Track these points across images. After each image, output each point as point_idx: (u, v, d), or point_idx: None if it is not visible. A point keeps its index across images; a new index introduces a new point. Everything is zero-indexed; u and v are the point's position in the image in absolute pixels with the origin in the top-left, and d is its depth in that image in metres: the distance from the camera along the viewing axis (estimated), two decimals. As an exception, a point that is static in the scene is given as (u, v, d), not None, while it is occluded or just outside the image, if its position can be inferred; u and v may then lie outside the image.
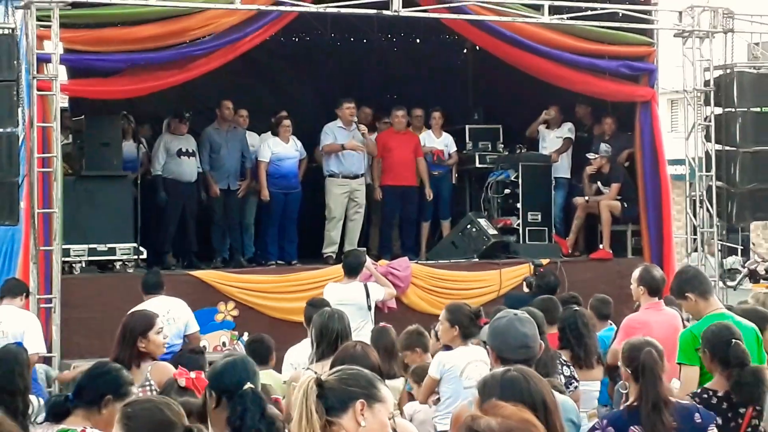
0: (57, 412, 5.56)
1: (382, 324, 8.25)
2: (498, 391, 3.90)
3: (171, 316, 9.68)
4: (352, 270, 10.97)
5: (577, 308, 8.49)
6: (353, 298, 10.31)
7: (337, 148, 14.01)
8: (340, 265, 12.88)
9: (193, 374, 5.78)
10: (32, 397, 6.66)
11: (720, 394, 6.17)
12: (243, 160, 14.04)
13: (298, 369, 7.83)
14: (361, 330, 9.79)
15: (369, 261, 11.74)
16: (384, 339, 7.93)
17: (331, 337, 6.86)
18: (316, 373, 3.78)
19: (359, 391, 3.69)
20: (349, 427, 3.64)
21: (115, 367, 5.77)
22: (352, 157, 14.17)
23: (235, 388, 4.65)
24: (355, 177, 14.27)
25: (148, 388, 6.68)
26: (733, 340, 6.32)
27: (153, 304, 9.43)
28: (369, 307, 10.70)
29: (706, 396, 6.19)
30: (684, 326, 7.91)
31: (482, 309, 8.02)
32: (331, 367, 4.53)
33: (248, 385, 4.65)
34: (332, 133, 14.15)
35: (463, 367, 7.14)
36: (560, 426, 3.88)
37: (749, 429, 6.07)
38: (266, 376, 7.55)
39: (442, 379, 7.35)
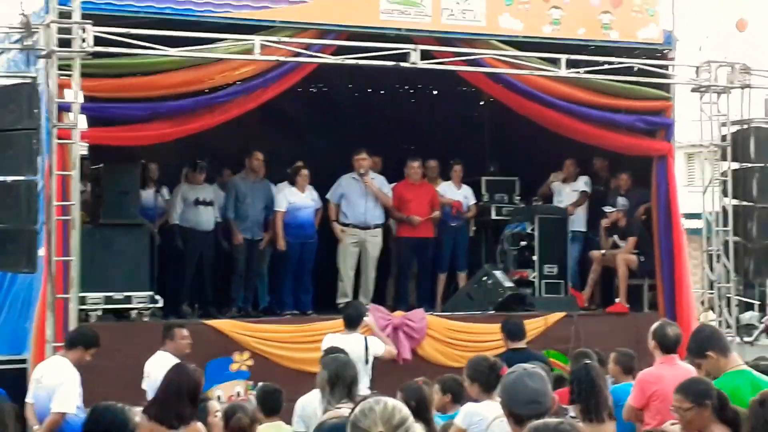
0: None
1: (419, 379, 8.22)
2: None
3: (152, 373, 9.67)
4: (352, 321, 10.91)
5: (588, 362, 8.47)
6: (352, 350, 10.20)
7: (330, 216, 14.31)
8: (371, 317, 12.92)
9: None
10: None
11: None
12: (267, 212, 14.12)
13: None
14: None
15: (371, 318, 11.73)
16: (421, 394, 7.89)
17: (345, 382, 6.82)
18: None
19: None
20: None
21: (119, 408, 5.78)
22: (359, 206, 14.24)
23: None
24: (366, 228, 14.32)
25: None
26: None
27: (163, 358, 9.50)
28: (367, 361, 10.62)
29: None
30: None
31: (501, 363, 8.04)
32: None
33: None
34: (341, 186, 14.34)
35: (491, 421, 6.96)
36: None
37: None
38: (275, 428, 7.60)
39: (467, 430, 7.21)
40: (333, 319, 12.73)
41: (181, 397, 6.96)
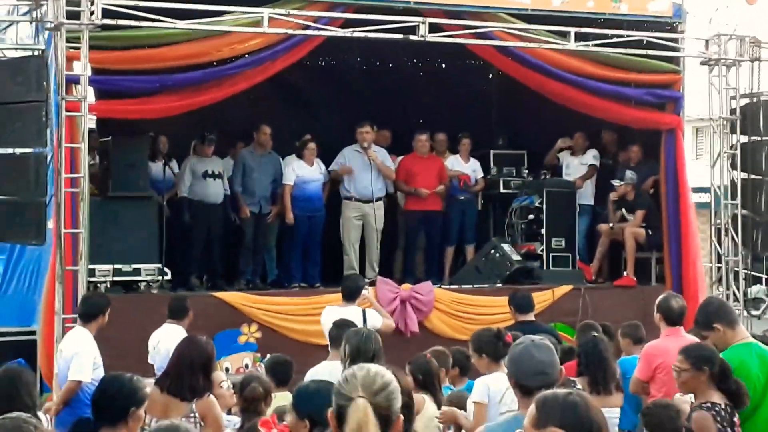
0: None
1: (427, 353, 8.24)
2: (559, 413, 3.84)
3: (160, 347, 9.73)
4: (350, 294, 10.89)
5: (595, 334, 8.51)
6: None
7: (345, 170, 14.18)
8: (370, 289, 12.95)
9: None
10: (42, 416, 6.69)
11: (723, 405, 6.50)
12: (275, 185, 14.12)
13: None
14: None
15: (370, 292, 11.70)
16: (428, 368, 7.90)
17: (367, 356, 6.82)
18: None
19: (399, 407, 3.70)
20: None
21: (127, 377, 5.80)
22: (363, 180, 14.23)
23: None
24: (369, 201, 14.31)
25: (192, 419, 6.75)
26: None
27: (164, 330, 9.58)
28: None
29: (717, 409, 6.51)
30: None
31: (505, 330, 8.06)
32: None
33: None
34: (344, 156, 14.30)
35: (503, 392, 6.93)
36: None
37: None
38: (284, 399, 7.62)
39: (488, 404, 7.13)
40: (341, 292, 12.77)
41: (195, 369, 7.01)
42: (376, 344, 7.05)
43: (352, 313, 10.46)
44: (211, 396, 7.07)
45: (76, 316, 9.72)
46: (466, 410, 7.36)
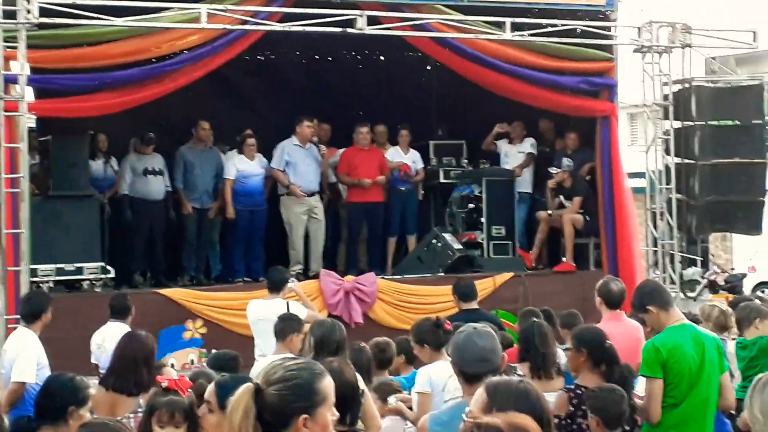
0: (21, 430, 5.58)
1: (361, 343, 8.24)
2: (513, 400, 3.86)
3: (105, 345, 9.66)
4: (275, 286, 10.94)
5: (535, 320, 8.55)
6: (274, 315, 10.30)
7: (283, 182, 14.14)
8: (308, 281, 12.94)
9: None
10: None
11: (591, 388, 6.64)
12: (216, 180, 14.07)
13: None
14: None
15: (297, 284, 11.65)
16: (361, 357, 7.89)
17: (331, 347, 6.84)
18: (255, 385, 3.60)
19: (301, 406, 3.55)
20: None
21: (69, 377, 5.79)
22: (308, 174, 14.20)
23: None
24: (312, 194, 14.29)
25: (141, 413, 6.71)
26: (607, 342, 6.93)
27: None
28: None
29: (579, 392, 6.70)
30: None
31: (443, 319, 8.09)
32: None
33: None
34: (283, 151, 14.17)
35: (446, 380, 6.93)
36: None
37: None
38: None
39: (431, 393, 7.14)
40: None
41: (138, 364, 6.99)
42: (340, 335, 7.05)
43: (276, 304, 10.46)
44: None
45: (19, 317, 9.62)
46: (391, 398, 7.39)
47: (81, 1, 11.58)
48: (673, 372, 7.11)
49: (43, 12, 11.38)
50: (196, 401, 5.14)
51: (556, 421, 6.27)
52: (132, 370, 6.96)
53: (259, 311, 10.61)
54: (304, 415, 3.51)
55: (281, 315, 9.27)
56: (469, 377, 5.13)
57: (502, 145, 15.54)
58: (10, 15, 11.31)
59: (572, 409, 6.65)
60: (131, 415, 6.35)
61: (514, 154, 15.44)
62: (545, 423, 3.81)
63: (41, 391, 5.86)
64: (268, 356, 8.47)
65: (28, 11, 11.30)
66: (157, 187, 13.87)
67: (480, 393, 3.97)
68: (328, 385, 3.61)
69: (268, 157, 14.30)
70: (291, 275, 11.76)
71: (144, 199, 13.82)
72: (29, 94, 11.96)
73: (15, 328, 10.28)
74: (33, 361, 8.70)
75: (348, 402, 4.80)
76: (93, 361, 9.84)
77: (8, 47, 11.41)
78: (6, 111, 11.35)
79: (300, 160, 14.20)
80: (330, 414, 3.59)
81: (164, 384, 5.69)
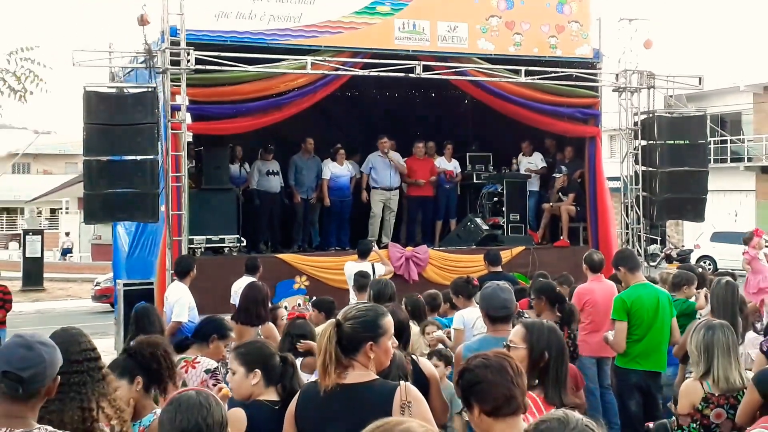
0: (179, 345, 5.72)
1: (417, 294, 8.26)
2: (546, 333, 3.86)
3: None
4: (362, 253, 11.05)
5: (541, 279, 8.54)
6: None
7: (363, 183, 14.24)
8: (381, 250, 13.01)
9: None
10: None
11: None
12: (317, 179, 14.18)
13: None
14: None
15: (377, 249, 11.65)
16: (418, 303, 7.90)
17: (385, 298, 6.78)
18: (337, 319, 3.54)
19: (368, 335, 3.46)
20: (363, 361, 3.45)
21: (221, 317, 5.90)
22: (387, 174, 14.25)
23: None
24: (389, 189, 14.35)
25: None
26: (557, 289, 7.14)
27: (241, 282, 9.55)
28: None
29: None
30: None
31: (474, 276, 8.10)
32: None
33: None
34: (368, 161, 14.29)
35: (474, 320, 6.97)
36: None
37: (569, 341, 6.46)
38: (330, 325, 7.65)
39: (463, 329, 7.09)
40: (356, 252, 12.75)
41: (258, 303, 7.04)
42: (391, 289, 7.02)
43: (365, 266, 10.57)
44: (270, 323, 7.07)
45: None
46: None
47: (224, 53, 11.72)
48: (636, 316, 7.12)
49: (198, 61, 11.54)
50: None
51: None
52: (253, 307, 6.97)
53: (353, 269, 10.72)
54: (370, 342, 3.47)
55: (358, 272, 9.35)
56: (493, 319, 5.12)
57: (519, 158, 15.48)
58: (176, 63, 11.48)
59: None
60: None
61: (525, 164, 15.37)
62: (563, 358, 3.82)
63: (200, 322, 5.99)
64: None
65: (188, 61, 11.46)
66: (275, 183, 14.01)
67: (518, 328, 3.99)
68: (388, 321, 3.55)
69: (351, 161, 14.39)
70: (372, 245, 11.78)
71: (267, 191, 13.97)
72: (188, 118, 12.12)
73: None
74: (186, 306, 8.78)
75: (402, 333, 4.81)
76: (232, 302, 9.97)
77: (174, 85, 11.56)
78: (172, 129, 11.52)
79: (379, 166, 14.28)
80: (390, 342, 3.53)
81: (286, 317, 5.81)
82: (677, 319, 7.45)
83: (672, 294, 7.86)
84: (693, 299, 8.24)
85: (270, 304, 7.78)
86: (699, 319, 6.92)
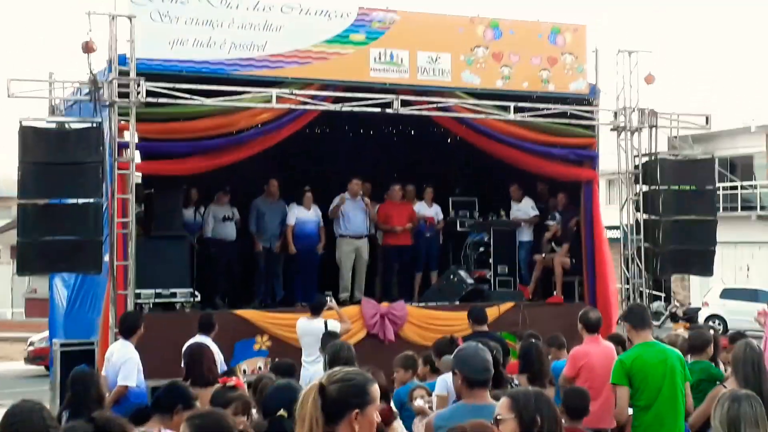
0: (138, 417, 5.65)
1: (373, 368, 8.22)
2: (533, 402, 3.89)
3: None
4: (314, 309, 11.05)
5: (533, 341, 8.55)
6: (313, 331, 10.44)
7: (336, 208, 14.16)
8: (351, 306, 12.96)
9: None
10: None
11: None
12: (282, 226, 14.19)
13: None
14: (318, 358, 9.74)
15: (333, 302, 11.64)
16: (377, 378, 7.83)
17: (340, 363, 6.74)
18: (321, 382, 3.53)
19: (355, 402, 3.44)
20: (345, 430, 3.42)
21: (185, 385, 5.86)
22: (356, 221, 14.28)
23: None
24: (360, 237, 14.36)
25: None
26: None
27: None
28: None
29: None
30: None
31: (458, 336, 8.09)
32: None
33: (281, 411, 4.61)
34: (339, 201, 14.31)
35: None
36: None
37: None
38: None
39: (448, 395, 7.05)
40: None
41: (209, 360, 7.06)
42: (348, 353, 6.90)
43: (315, 323, 10.66)
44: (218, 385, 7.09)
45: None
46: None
47: (179, 85, 11.75)
48: (638, 379, 7.07)
49: (149, 93, 11.54)
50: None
51: None
52: (206, 364, 7.08)
53: (304, 328, 10.74)
54: (356, 410, 3.43)
55: (324, 333, 9.31)
56: (472, 383, 5.03)
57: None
58: (124, 95, 11.47)
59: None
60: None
61: (514, 211, 15.45)
62: (557, 421, 3.86)
63: (162, 390, 5.92)
64: (315, 363, 8.44)
65: (138, 93, 11.46)
66: (232, 230, 14.02)
67: (504, 400, 3.98)
68: (376, 390, 3.53)
69: (321, 207, 14.39)
70: (327, 298, 11.71)
71: (223, 239, 13.95)
72: (137, 157, 12.08)
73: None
74: (134, 368, 8.72)
75: (381, 398, 4.80)
76: (182, 366, 9.87)
77: (122, 120, 11.56)
78: (119, 169, 11.48)
79: (350, 210, 14.30)
80: (376, 414, 3.50)
81: (231, 383, 5.77)
82: (699, 383, 7.45)
83: (692, 358, 7.87)
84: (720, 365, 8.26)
85: (227, 368, 7.72)
86: (718, 385, 6.93)
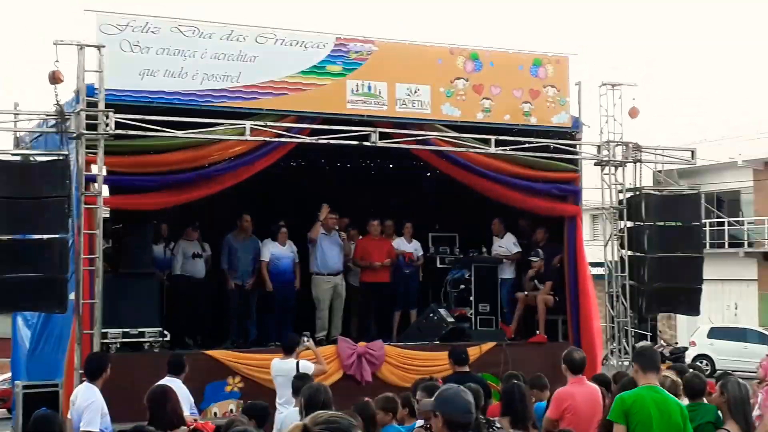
0: None
1: (366, 398, 8.18)
2: None
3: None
4: (287, 349, 10.97)
5: (516, 382, 8.52)
6: (286, 371, 10.39)
7: (315, 233, 14.16)
8: (327, 346, 12.89)
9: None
10: None
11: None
12: (255, 262, 14.17)
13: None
14: (290, 399, 9.66)
15: (311, 343, 11.57)
16: (367, 411, 7.81)
17: (317, 406, 6.68)
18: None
19: None
20: None
21: (150, 429, 5.81)
22: (332, 257, 14.27)
23: None
24: (337, 274, 14.35)
25: None
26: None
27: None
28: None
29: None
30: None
31: (438, 377, 8.04)
32: None
33: None
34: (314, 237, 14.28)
35: None
36: None
37: None
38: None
39: None
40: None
41: (174, 402, 7.00)
42: (325, 395, 6.92)
43: (288, 363, 10.54)
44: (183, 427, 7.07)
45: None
46: None
47: (149, 116, 11.73)
48: (635, 419, 7.02)
49: (118, 125, 11.50)
50: None
51: None
52: (171, 407, 7.03)
53: (277, 368, 10.67)
54: None
55: (297, 375, 9.25)
56: (455, 426, 5.04)
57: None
58: (92, 127, 11.43)
59: None
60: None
61: (495, 246, 15.49)
62: None
63: None
64: (287, 405, 8.39)
65: (107, 125, 11.42)
66: (202, 267, 13.98)
67: None
68: None
69: (297, 242, 14.37)
70: (303, 338, 11.65)
71: (192, 276, 13.92)
72: (105, 190, 12.04)
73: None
74: (98, 412, 8.60)
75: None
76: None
77: (89, 153, 11.51)
78: (86, 204, 11.43)
79: (326, 245, 14.28)
80: None
81: (196, 426, 5.74)
82: (705, 425, 7.43)
83: (690, 401, 7.85)
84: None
85: (197, 410, 7.67)
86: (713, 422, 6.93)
